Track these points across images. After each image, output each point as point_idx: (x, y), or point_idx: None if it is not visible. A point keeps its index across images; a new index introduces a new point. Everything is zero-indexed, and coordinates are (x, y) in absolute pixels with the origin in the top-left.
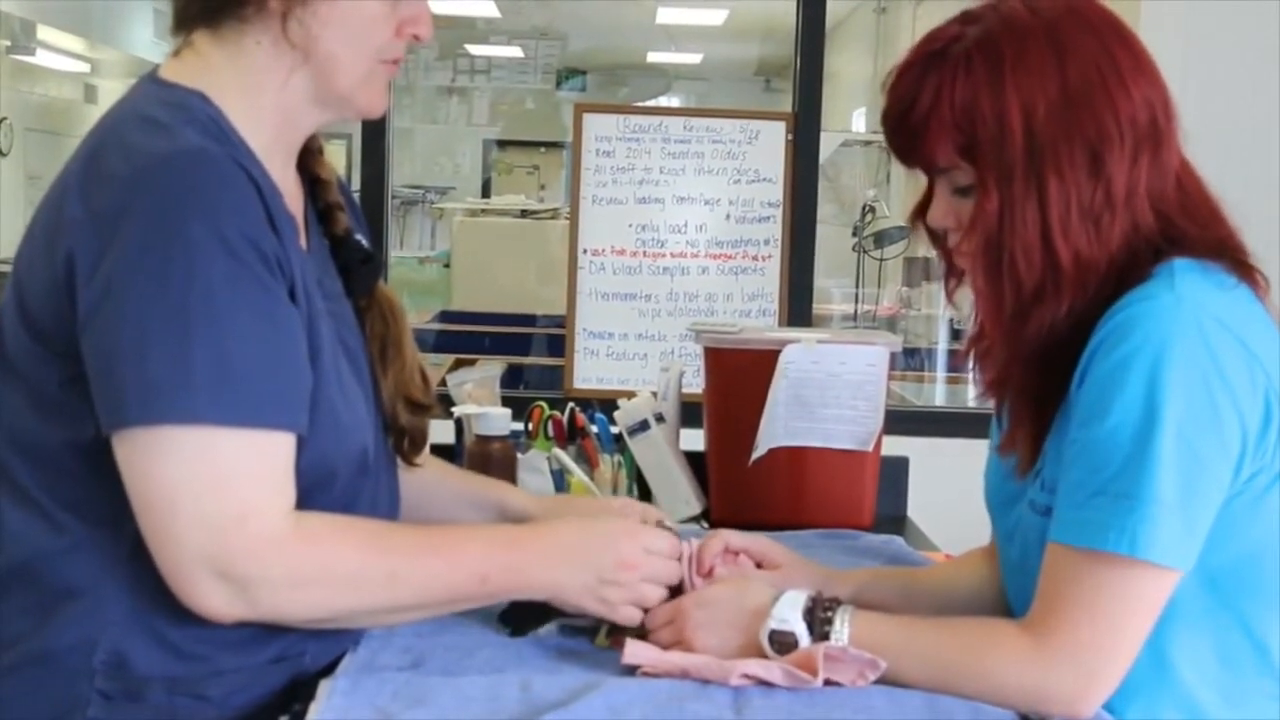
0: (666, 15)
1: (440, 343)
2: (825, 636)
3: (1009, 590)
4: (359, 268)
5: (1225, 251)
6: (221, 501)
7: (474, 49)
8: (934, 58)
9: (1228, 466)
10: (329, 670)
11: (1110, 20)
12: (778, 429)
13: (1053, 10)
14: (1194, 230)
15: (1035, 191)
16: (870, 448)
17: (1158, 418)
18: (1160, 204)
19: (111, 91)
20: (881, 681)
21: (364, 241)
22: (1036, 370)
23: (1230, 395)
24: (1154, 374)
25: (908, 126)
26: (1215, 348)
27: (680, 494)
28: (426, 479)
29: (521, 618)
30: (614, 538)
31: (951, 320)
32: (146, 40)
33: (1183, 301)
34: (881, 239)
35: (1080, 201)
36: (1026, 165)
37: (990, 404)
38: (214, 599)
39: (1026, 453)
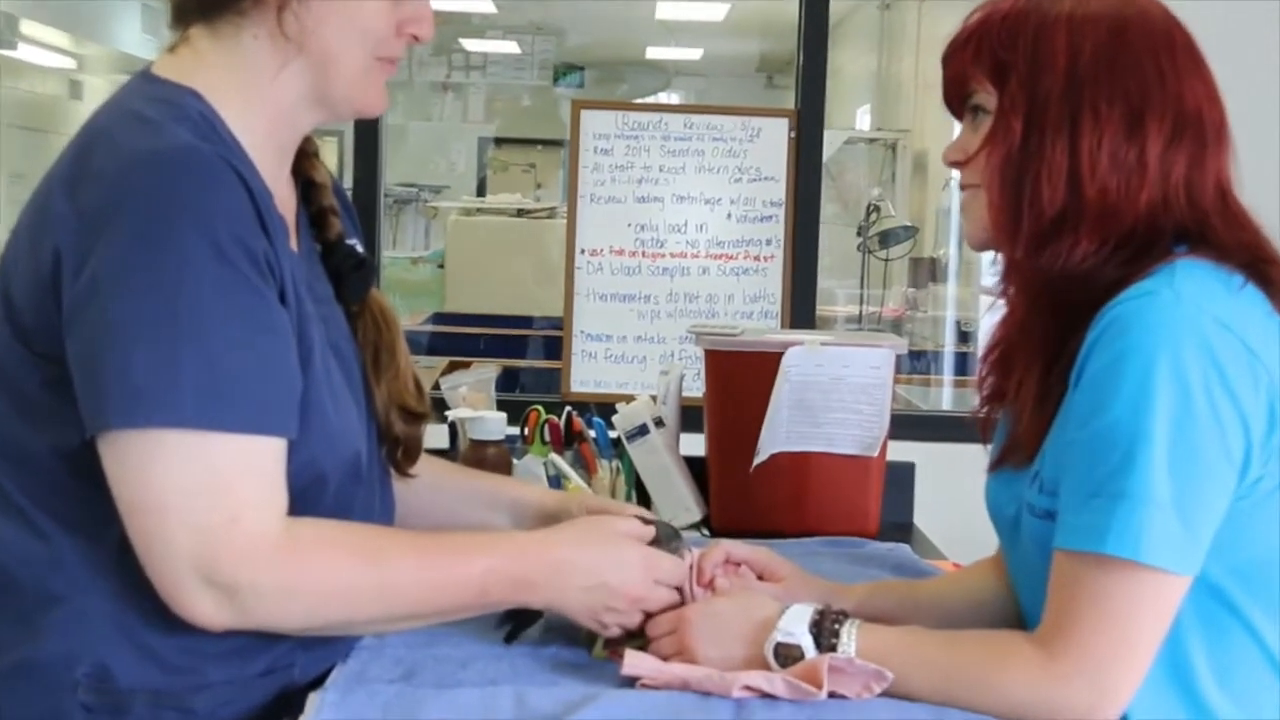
0: (666, 10)
1: (434, 345)
2: (832, 649)
3: (1021, 599)
4: (351, 273)
5: (1255, 262)
6: (211, 505)
7: (469, 44)
8: None
9: (1231, 469)
10: (318, 683)
11: (1184, 31)
12: (780, 434)
13: None
14: (1229, 236)
15: (1068, 124)
16: (875, 453)
17: (1151, 416)
18: (1197, 198)
19: (97, 88)
20: (888, 695)
21: (358, 246)
22: (1046, 344)
23: (1231, 396)
24: (1149, 372)
25: (957, 42)
26: (1215, 347)
27: (680, 500)
28: (431, 481)
29: (516, 616)
30: (628, 567)
31: (959, 322)
32: (135, 36)
33: (1182, 299)
34: (887, 239)
35: (1112, 151)
36: (1063, 96)
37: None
38: (202, 605)
39: (1028, 442)
